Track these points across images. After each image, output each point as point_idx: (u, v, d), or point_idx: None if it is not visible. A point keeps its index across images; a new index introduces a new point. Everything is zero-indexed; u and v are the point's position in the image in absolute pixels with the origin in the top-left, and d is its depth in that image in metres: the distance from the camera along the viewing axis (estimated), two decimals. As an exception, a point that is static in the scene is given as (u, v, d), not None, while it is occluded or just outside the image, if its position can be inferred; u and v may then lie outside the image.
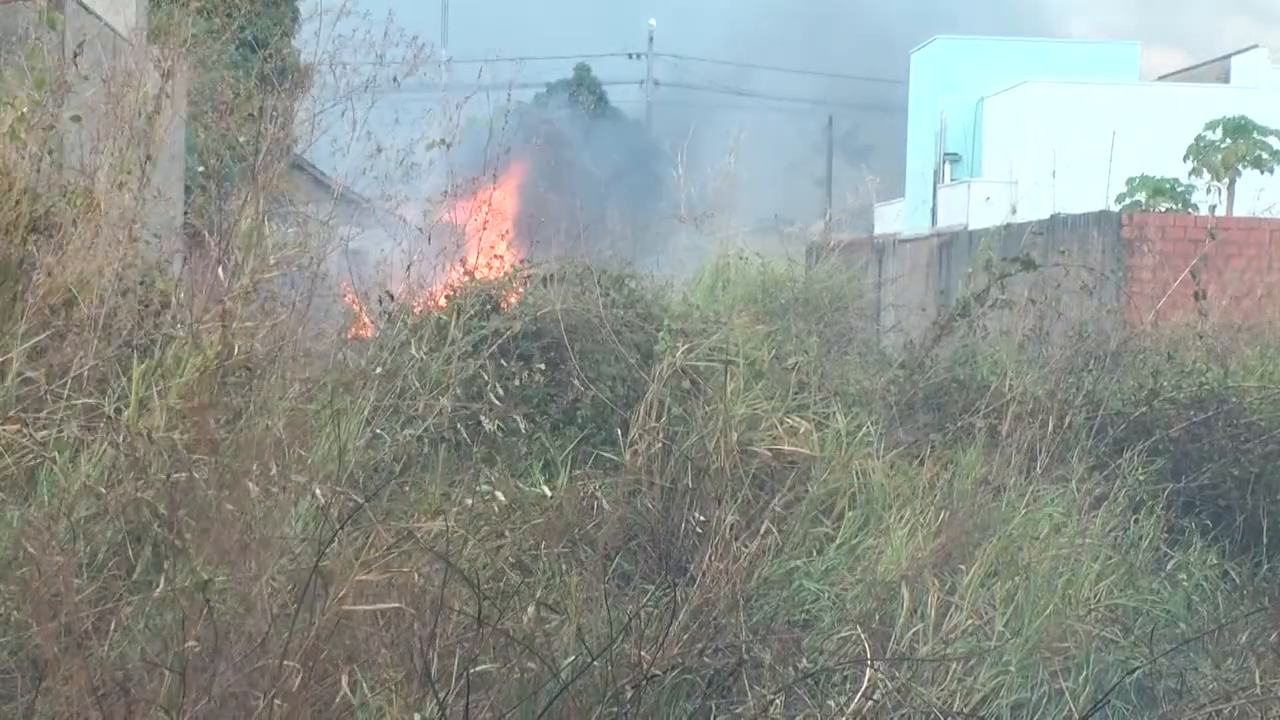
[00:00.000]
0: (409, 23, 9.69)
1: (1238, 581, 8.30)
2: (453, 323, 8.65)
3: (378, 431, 7.30)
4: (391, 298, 9.29)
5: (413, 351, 7.95)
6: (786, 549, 7.49)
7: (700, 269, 16.16)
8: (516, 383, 8.45)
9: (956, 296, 11.38)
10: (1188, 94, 31.13)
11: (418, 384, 8.00)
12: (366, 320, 9.49)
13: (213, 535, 5.07)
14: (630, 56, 53.56)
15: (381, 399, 7.64)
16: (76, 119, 8.30)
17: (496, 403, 7.87)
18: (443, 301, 9.49)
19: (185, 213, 11.32)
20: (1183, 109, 26.85)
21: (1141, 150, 22.90)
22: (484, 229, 9.71)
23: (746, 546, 7.16)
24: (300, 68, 10.24)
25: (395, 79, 8.95)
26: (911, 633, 6.40)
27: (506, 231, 11.86)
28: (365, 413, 7.36)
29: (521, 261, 10.71)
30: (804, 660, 5.86)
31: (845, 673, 5.86)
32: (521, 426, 7.98)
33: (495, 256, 10.63)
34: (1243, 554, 8.87)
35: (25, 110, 7.75)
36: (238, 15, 9.51)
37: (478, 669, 4.43)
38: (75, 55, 8.36)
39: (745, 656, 5.68)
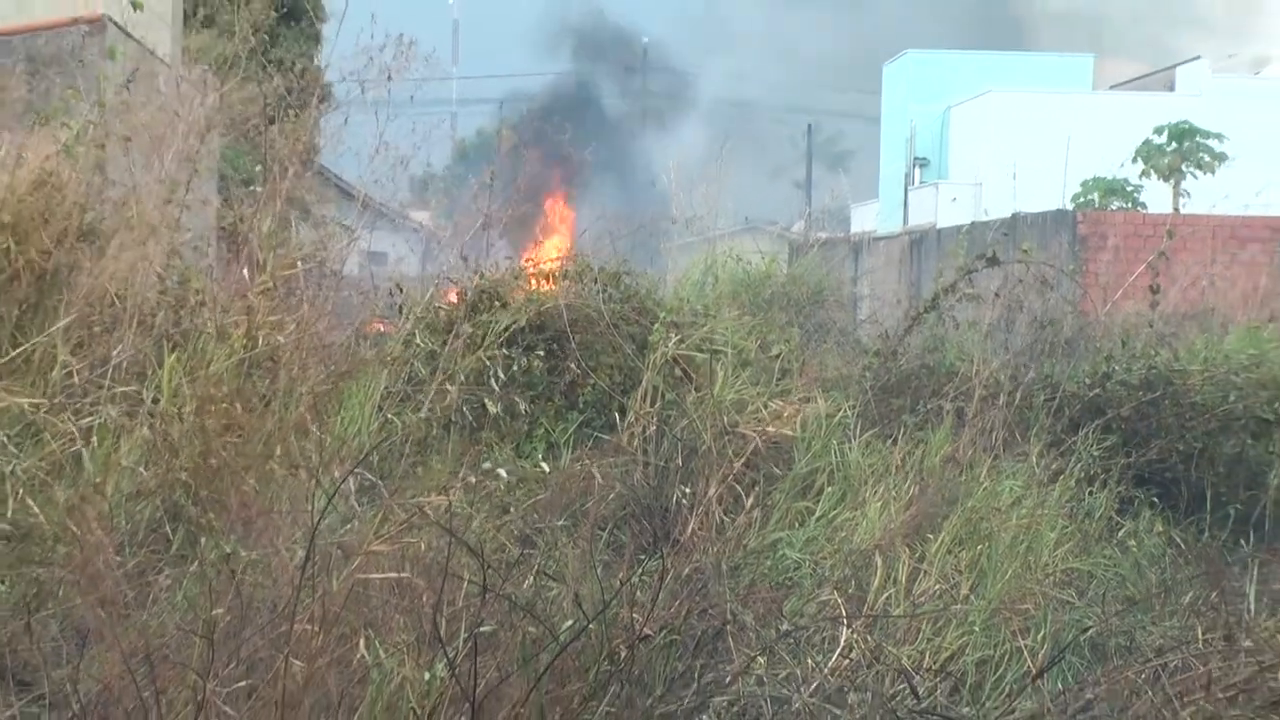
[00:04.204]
0: (424, 43, 9.61)
1: (1182, 547, 8.29)
2: (462, 315, 8.64)
3: (390, 416, 7.30)
4: (401, 290, 9.27)
5: (417, 340, 7.94)
6: (770, 522, 7.48)
7: (690, 266, 16.12)
8: (516, 368, 8.46)
9: (926, 291, 11.36)
10: (1137, 102, 31.11)
11: (424, 371, 7.99)
12: (383, 315, 9.48)
13: (237, 511, 5.06)
14: (626, 70, 53.56)
15: (392, 385, 7.63)
16: (128, 140, 8.31)
17: (495, 388, 7.86)
18: (453, 298, 9.48)
19: (220, 219, 11.29)
20: (1132, 115, 26.82)
21: (1095, 153, 22.88)
22: (483, 228, 9.74)
23: (733, 520, 7.14)
24: (321, 84, 10.23)
25: (389, 76, 8.92)
26: (884, 597, 6.38)
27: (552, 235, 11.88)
28: (376, 399, 7.35)
29: (526, 260, 10.70)
30: (785, 622, 5.84)
31: (823, 633, 5.84)
32: (523, 408, 7.97)
33: (505, 258, 10.64)
34: (1187, 522, 8.88)
35: (80, 130, 7.75)
36: (263, 37, 9.48)
37: (483, 631, 4.44)
38: (128, 82, 8.37)
39: (730, 619, 5.67)
